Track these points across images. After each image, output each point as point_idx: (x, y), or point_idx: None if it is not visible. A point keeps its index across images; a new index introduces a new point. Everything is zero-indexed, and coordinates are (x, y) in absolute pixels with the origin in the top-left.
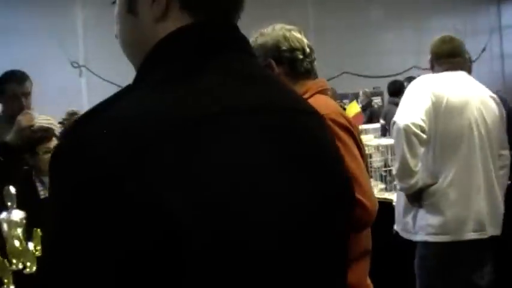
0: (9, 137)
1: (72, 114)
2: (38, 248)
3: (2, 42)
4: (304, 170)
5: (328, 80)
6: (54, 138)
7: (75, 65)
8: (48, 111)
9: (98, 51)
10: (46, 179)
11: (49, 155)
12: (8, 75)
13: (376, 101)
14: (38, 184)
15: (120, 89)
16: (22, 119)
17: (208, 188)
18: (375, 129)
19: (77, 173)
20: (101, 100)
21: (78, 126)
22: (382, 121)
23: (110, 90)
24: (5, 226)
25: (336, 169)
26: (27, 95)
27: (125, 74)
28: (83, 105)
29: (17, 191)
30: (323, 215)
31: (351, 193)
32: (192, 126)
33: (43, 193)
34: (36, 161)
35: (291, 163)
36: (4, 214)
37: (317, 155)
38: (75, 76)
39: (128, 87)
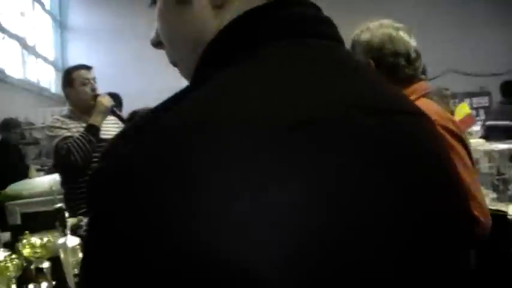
0: (92, 119)
1: None
2: None
3: (108, 47)
4: (416, 189)
5: (432, 79)
6: None
7: None
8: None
9: None
10: None
11: None
12: (72, 66)
13: (482, 101)
14: None
15: None
16: (103, 100)
17: (308, 229)
18: (476, 132)
19: (114, 214)
20: None
21: (120, 144)
22: (491, 122)
23: None
24: None
25: (452, 183)
26: (94, 79)
27: None
28: None
29: None
30: (440, 245)
31: (469, 212)
32: (274, 142)
33: None
34: None
35: (400, 181)
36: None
37: (429, 168)
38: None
39: (188, 88)
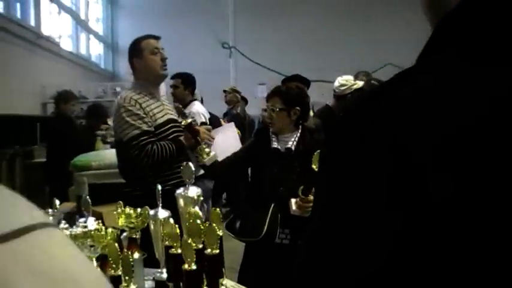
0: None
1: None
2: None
3: (155, 25)
4: None
5: None
6: None
7: (226, 46)
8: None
9: (247, 34)
10: None
11: None
12: (141, 36)
13: None
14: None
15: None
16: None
17: None
18: None
19: None
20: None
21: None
22: None
23: (256, 72)
24: (181, 202)
25: None
26: (162, 49)
27: (272, 56)
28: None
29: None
30: None
31: None
32: None
33: None
34: None
35: None
36: (181, 190)
37: None
38: (225, 57)
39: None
